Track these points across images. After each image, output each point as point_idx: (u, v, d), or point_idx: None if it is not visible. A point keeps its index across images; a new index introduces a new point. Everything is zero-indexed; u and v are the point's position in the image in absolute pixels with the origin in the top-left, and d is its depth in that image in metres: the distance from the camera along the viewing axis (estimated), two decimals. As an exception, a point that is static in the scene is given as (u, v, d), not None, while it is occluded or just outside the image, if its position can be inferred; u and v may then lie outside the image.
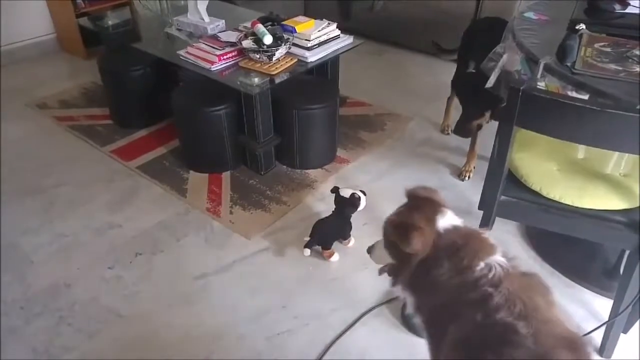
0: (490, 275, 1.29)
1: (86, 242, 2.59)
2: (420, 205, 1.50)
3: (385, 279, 1.58)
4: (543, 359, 1.11)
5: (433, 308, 1.42)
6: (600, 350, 2.07)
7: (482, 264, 1.32)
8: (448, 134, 3.35)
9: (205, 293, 2.33)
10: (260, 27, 2.80)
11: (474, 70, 2.76)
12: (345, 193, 2.47)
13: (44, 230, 2.65)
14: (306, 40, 2.88)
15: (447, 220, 1.42)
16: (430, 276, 1.38)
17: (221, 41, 2.93)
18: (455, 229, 1.41)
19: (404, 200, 1.59)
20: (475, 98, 2.61)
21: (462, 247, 1.36)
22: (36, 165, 3.14)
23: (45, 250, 2.54)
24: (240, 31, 3.04)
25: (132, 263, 2.47)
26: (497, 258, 1.34)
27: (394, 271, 1.56)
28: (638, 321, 2.11)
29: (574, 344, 1.18)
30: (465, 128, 2.69)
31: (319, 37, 2.93)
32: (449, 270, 1.35)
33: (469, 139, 2.91)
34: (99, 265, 2.46)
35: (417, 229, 1.40)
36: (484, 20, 3.30)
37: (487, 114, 2.70)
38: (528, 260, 2.47)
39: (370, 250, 1.72)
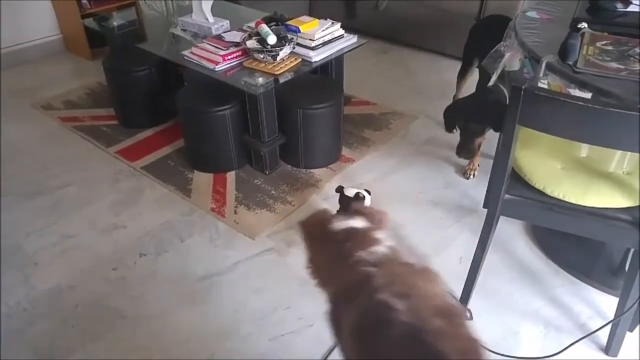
0: (371, 260, 1.39)
1: (90, 243, 2.60)
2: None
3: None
4: (417, 328, 1.16)
5: (331, 299, 1.51)
6: (606, 349, 2.07)
7: (364, 252, 1.42)
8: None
9: (210, 293, 2.34)
10: (264, 27, 2.81)
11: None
12: (350, 192, 2.47)
13: (48, 231, 2.67)
14: (310, 39, 2.89)
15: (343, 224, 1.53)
16: (325, 268, 1.53)
17: (225, 41, 2.93)
18: (350, 228, 1.51)
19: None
20: (475, 116, 2.60)
21: (350, 241, 1.47)
22: (41, 166, 3.15)
23: (50, 251, 2.56)
24: (245, 31, 3.04)
25: (137, 264, 2.48)
26: (379, 247, 1.44)
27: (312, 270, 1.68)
28: (643, 319, 2.11)
29: (447, 312, 1.23)
30: (468, 148, 2.68)
31: (323, 37, 2.93)
32: (338, 258, 1.46)
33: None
34: (103, 266, 2.47)
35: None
36: (491, 17, 3.29)
37: (487, 130, 2.71)
38: (534, 259, 2.48)
39: None
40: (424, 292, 1.29)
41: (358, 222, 1.53)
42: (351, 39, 3.08)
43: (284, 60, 2.83)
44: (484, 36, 2.94)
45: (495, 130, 2.57)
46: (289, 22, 2.96)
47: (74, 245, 2.59)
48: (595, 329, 2.07)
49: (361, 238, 1.47)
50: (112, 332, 2.17)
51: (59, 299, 2.31)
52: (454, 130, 2.73)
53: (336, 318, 1.47)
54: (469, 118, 2.62)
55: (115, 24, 3.58)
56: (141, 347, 2.11)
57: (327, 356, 2.06)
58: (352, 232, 1.50)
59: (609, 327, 2.02)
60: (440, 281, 1.36)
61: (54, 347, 2.12)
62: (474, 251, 2.10)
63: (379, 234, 1.50)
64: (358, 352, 1.29)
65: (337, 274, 1.44)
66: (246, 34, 2.93)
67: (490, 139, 2.70)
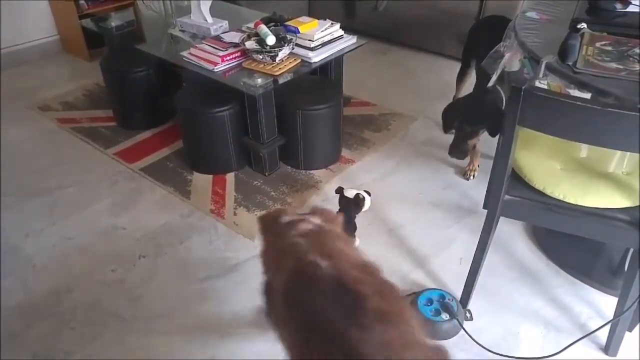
0: (301, 232, 1.58)
1: (89, 245, 2.60)
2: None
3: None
4: (340, 278, 1.35)
5: (266, 273, 1.70)
6: (605, 349, 2.07)
7: (295, 230, 1.61)
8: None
9: (210, 295, 2.34)
10: (263, 28, 2.81)
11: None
12: (350, 193, 2.46)
13: (47, 233, 2.66)
14: (310, 40, 2.89)
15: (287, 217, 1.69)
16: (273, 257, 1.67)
17: (224, 42, 2.93)
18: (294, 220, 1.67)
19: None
20: (470, 117, 2.61)
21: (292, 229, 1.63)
22: (39, 167, 3.15)
23: (48, 252, 2.55)
24: (244, 32, 3.04)
25: (136, 265, 2.47)
26: (308, 225, 1.62)
27: None
28: (643, 320, 2.11)
29: (365, 267, 1.46)
30: (461, 149, 2.68)
31: (323, 37, 2.93)
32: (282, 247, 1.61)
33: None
34: (102, 268, 2.47)
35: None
36: (490, 18, 3.29)
37: (482, 132, 2.72)
38: (534, 259, 2.48)
39: None
40: (344, 253, 1.51)
41: (313, 219, 1.67)
42: (351, 40, 3.08)
43: (283, 61, 2.83)
44: (483, 37, 2.95)
45: (491, 134, 2.57)
46: (288, 23, 2.96)
47: (72, 246, 2.59)
48: (594, 328, 2.07)
49: (297, 223, 1.64)
50: (111, 334, 2.17)
51: (57, 301, 2.31)
52: (451, 131, 2.73)
53: (269, 287, 1.69)
54: (464, 119, 2.62)
55: (113, 24, 3.58)
56: (140, 349, 2.11)
57: (327, 357, 2.07)
58: (295, 222, 1.65)
59: (608, 326, 2.02)
60: (355, 245, 1.59)
61: (52, 349, 2.11)
62: (474, 252, 2.10)
63: (315, 220, 1.66)
64: (290, 309, 1.44)
65: (279, 259, 1.58)
66: (245, 35, 2.93)
67: (489, 140, 2.70)
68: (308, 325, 1.35)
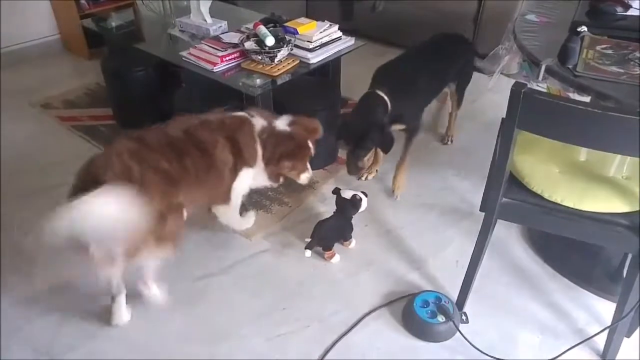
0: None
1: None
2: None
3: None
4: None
5: None
6: (603, 354, 2.06)
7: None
8: (446, 143, 3.34)
9: (206, 294, 2.33)
10: (262, 29, 2.81)
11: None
12: (347, 194, 2.46)
13: (49, 230, 2.64)
14: (308, 41, 2.89)
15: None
16: None
17: (223, 42, 2.93)
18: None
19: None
20: (358, 141, 2.59)
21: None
22: (40, 164, 3.14)
23: (49, 249, 2.54)
24: (243, 32, 3.04)
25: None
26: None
27: None
28: (641, 325, 2.10)
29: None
30: (355, 167, 2.67)
31: (321, 39, 2.93)
32: None
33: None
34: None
35: None
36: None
37: (371, 152, 2.77)
38: (530, 263, 2.47)
39: None
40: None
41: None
42: (349, 41, 3.08)
43: (281, 61, 2.83)
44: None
45: (384, 152, 2.69)
46: (287, 24, 2.96)
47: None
48: (592, 334, 2.06)
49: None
50: (110, 331, 2.16)
51: (58, 298, 2.30)
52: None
53: None
54: (354, 142, 2.61)
55: (113, 24, 3.57)
56: (139, 347, 2.11)
57: (323, 357, 2.06)
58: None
59: (606, 332, 2.01)
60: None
61: (53, 345, 2.11)
62: (471, 254, 2.09)
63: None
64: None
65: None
66: (244, 36, 2.93)
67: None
68: None
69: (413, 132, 2.84)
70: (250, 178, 2.38)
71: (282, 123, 2.41)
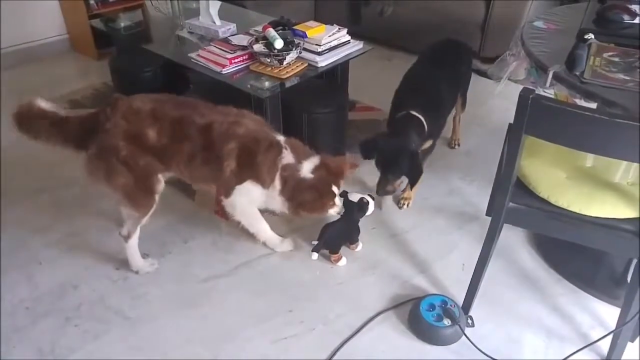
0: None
1: (94, 242, 2.61)
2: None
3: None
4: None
5: None
6: (607, 358, 2.07)
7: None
8: (453, 147, 3.35)
9: (212, 296, 2.35)
10: (271, 32, 2.82)
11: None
12: (354, 197, 2.47)
13: (53, 230, 2.67)
14: (317, 45, 2.90)
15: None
16: None
17: (232, 45, 2.94)
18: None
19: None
20: (390, 168, 2.62)
21: None
22: (46, 164, 3.14)
23: (53, 249, 2.56)
24: (252, 35, 3.05)
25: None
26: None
27: None
28: (645, 330, 2.11)
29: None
30: (386, 190, 2.68)
31: (330, 43, 2.95)
32: None
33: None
34: (106, 266, 2.48)
35: None
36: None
37: (403, 180, 2.76)
38: (536, 267, 2.48)
39: None
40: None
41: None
42: (357, 45, 3.09)
43: (290, 64, 2.85)
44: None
45: (411, 185, 2.71)
46: (296, 27, 2.98)
47: (77, 243, 2.60)
48: (596, 338, 2.06)
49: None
50: (114, 332, 2.18)
51: (62, 298, 2.32)
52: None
53: None
54: (385, 167, 2.64)
55: (122, 25, 3.59)
56: (143, 348, 2.12)
57: (329, 360, 2.08)
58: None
59: (610, 337, 2.02)
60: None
61: (56, 346, 2.12)
62: (477, 258, 2.10)
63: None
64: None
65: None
66: (253, 38, 2.94)
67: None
68: None
69: (431, 148, 2.86)
70: (260, 194, 2.36)
71: (307, 167, 2.35)
